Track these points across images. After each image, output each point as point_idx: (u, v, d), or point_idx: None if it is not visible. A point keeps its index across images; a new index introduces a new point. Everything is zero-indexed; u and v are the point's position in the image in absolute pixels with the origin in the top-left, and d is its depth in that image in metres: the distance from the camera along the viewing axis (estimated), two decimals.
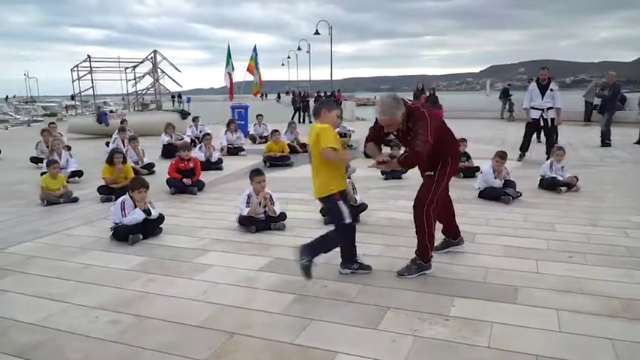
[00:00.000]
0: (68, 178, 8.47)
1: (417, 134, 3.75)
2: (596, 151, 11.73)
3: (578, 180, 7.36)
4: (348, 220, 3.87)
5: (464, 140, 9.04)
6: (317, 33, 33.75)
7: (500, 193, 6.66)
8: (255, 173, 5.63)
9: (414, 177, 8.71)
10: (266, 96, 79.64)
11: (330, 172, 3.88)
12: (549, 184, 7.27)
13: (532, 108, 9.99)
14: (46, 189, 7.02)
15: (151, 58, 19.85)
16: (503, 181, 6.83)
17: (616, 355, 2.82)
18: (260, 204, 5.51)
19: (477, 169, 8.27)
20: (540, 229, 5.32)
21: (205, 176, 8.63)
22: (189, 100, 38.15)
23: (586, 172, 8.61)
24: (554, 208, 6.29)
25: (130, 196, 5.31)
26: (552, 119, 9.84)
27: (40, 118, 30.55)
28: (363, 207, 5.82)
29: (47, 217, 6.35)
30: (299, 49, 45.64)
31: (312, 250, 3.80)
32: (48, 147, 9.90)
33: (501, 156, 6.88)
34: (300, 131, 13.38)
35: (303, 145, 11.58)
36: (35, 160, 10.51)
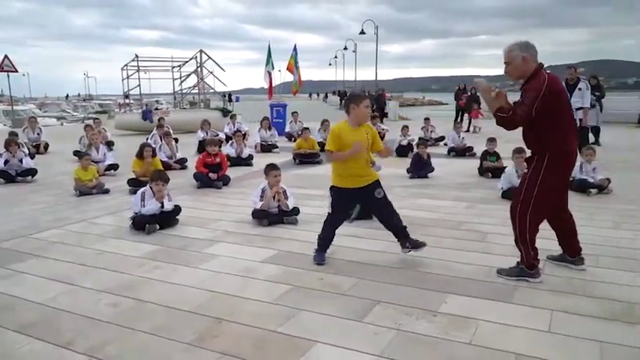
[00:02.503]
0: (105, 171, 8.90)
1: (523, 102, 3.51)
2: None
3: (610, 182, 7.01)
4: (328, 210, 4.36)
5: (493, 140, 8.83)
6: (362, 32, 33.53)
7: None
8: (271, 167, 5.72)
9: (441, 176, 8.63)
10: (318, 95, 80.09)
11: (334, 167, 4.31)
12: (579, 186, 6.91)
13: None
14: (79, 180, 7.38)
15: (197, 57, 20.44)
16: None
17: (601, 357, 2.72)
18: (274, 198, 5.60)
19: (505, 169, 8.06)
20: None
21: (235, 172, 8.84)
22: (237, 100, 38.90)
23: (625, 175, 8.22)
24: (580, 211, 5.98)
25: (150, 187, 5.51)
26: (581, 119, 9.47)
27: (94, 116, 31.97)
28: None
29: (77, 206, 6.69)
30: (345, 48, 45.65)
31: (318, 243, 4.38)
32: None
33: (518, 151, 6.62)
34: None
35: None
36: (77, 153, 11.03)
